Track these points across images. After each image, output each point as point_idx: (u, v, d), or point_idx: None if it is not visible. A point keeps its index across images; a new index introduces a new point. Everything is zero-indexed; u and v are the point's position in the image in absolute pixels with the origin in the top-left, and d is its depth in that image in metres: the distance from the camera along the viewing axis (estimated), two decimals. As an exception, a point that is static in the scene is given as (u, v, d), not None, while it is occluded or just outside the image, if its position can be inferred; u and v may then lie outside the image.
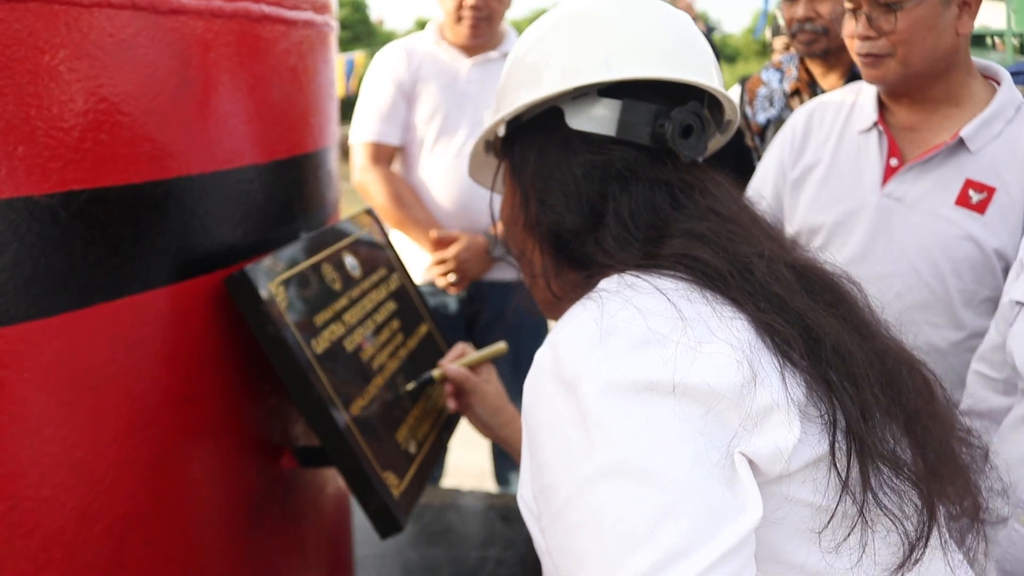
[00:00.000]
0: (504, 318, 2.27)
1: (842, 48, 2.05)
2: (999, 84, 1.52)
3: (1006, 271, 1.45)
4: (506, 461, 2.59)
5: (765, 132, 2.41)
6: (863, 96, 1.62)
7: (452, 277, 2.34)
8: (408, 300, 1.53)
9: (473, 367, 1.35)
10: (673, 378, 0.71)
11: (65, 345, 0.90)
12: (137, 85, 0.95)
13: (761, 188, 1.73)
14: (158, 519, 1.02)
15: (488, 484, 2.90)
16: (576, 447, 0.72)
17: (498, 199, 1.05)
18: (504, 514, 2.01)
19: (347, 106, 2.98)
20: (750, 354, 0.74)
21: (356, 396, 1.21)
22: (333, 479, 1.42)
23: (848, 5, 1.49)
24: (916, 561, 0.77)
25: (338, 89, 1.49)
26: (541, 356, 0.79)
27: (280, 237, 1.22)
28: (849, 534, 0.75)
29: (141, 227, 0.97)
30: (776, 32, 3.66)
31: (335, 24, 1.40)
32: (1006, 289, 1.26)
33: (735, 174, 0.98)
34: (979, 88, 1.51)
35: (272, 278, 1.14)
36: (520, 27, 1.86)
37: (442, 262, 2.32)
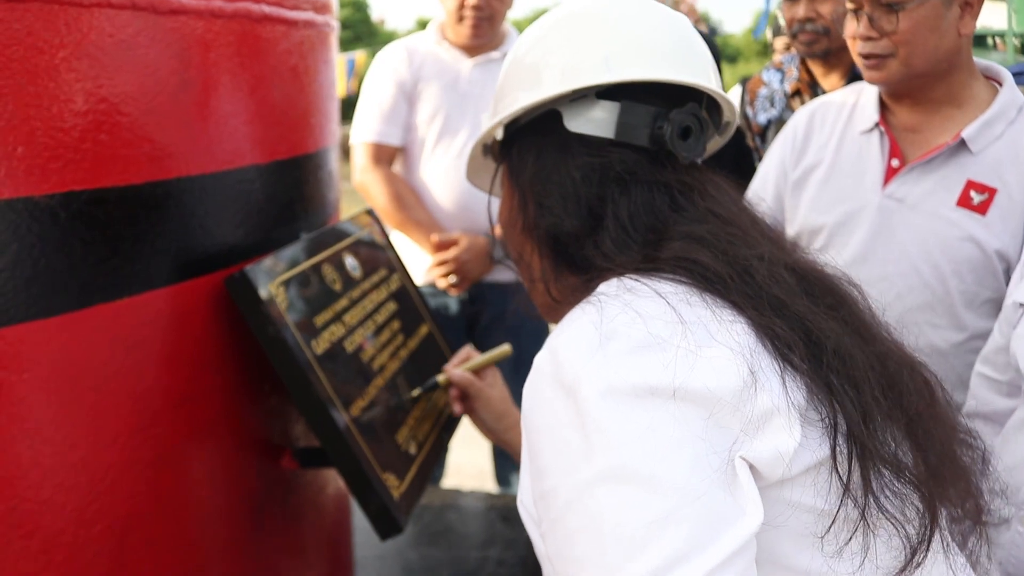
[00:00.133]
0: (505, 319, 2.27)
1: (843, 48, 2.05)
2: (1001, 85, 1.51)
3: (1007, 272, 1.44)
4: (507, 462, 2.59)
5: (766, 133, 2.41)
6: (864, 97, 1.61)
7: (453, 278, 2.34)
8: (409, 301, 1.53)
9: (477, 371, 1.35)
10: (673, 382, 0.71)
11: (65, 346, 0.90)
12: (137, 85, 0.95)
13: (762, 189, 1.73)
14: (158, 519, 1.02)
15: (488, 484, 2.89)
16: (575, 451, 0.72)
17: (496, 203, 1.05)
18: (504, 514, 2.01)
19: (348, 106, 2.98)
20: (750, 358, 0.74)
21: (356, 397, 1.21)
22: (333, 480, 1.42)
23: (850, 5, 1.49)
24: (918, 564, 0.76)
25: (339, 89, 1.49)
26: (540, 360, 0.78)
27: (280, 237, 1.22)
28: (851, 538, 0.74)
29: (141, 228, 0.97)
30: (777, 32, 3.66)
31: (336, 24, 1.40)
32: (1009, 291, 1.26)
33: (736, 175, 0.98)
34: (981, 89, 1.51)
35: (272, 279, 1.13)
36: (521, 27, 1.86)
37: (443, 263, 2.32)
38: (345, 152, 2.42)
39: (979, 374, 1.30)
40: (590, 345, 0.74)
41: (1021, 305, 1.19)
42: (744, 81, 2.54)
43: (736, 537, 0.68)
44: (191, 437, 1.06)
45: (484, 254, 2.35)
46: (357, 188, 2.45)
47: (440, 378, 1.36)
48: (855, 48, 1.51)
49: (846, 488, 0.74)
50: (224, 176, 1.09)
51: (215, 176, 1.07)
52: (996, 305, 1.44)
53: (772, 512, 0.73)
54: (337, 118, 1.43)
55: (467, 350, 1.40)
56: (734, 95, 2.61)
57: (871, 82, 1.52)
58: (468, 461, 3.34)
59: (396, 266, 1.54)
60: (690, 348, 0.73)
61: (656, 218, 0.88)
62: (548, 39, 0.96)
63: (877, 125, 1.56)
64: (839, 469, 0.74)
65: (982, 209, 1.45)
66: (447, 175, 2.38)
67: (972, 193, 1.46)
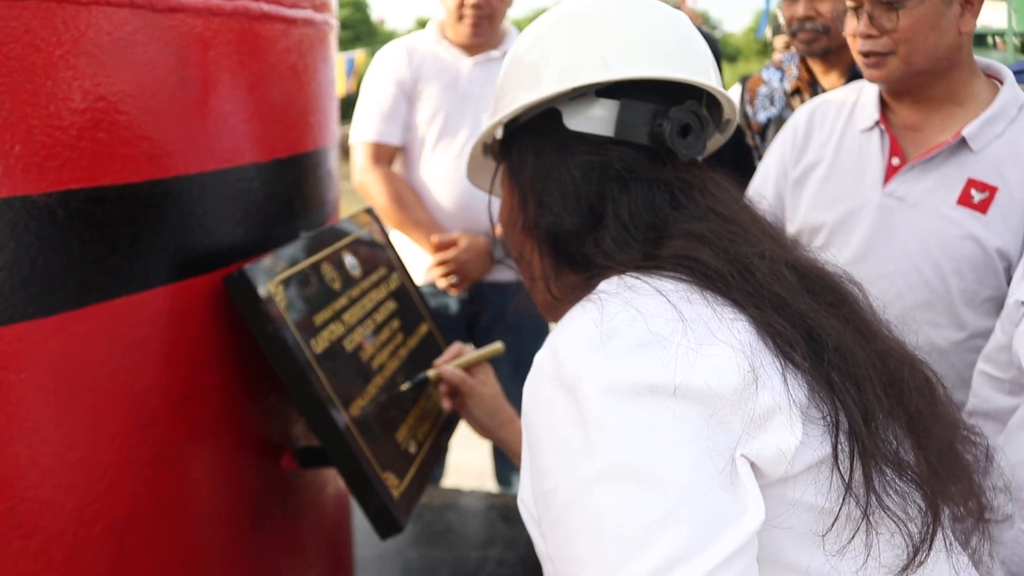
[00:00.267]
0: (505, 319, 2.27)
1: (843, 47, 2.05)
2: (1002, 83, 1.51)
3: (1008, 271, 1.44)
4: (507, 461, 2.58)
5: (766, 131, 2.41)
6: (865, 95, 1.61)
7: (453, 279, 2.34)
8: (408, 299, 1.52)
9: (469, 367, 1.34)
10: (674, 380, 0.71)
11: (63, 345, 0.90)
12: (135, 83, 0.95)
13: (762, 187, 1.72)
14: (158, 519, 1.01)
15: (489, 484, 2.89)
16: (576, 450, 0.72)
17: (496, 202, 1.05)
18: (505, 514, 2.00)
19: (347, 106, 2.98)
20: (751, 356, 0.74)
21: (356, 396, 1.21)
22: (333, 479, 1.41)
23: (849, 3, 1.49)
24: (920, 563, 0.76)
25: (338, 88, 1.49)
26: (541, 359, 0.78)
27: (279, 236, 1.22)
28: (853, 536, 0.74)
29: (139, 226, 0.97)
30: (776, 31, 3.66)
31: (335, 22, 1.40)
32: (1011, 289, 1.26)
33: (736, 173, 0.98)
34: (982, 87, 1.51)
35: (271, 277, 1.13)
36: (521, 26, 1.85)
37: (443, 263, 2.32)
38: (344, 152, 2.42)
39: (981, 372, 1.30)
40: (591, 343, 0.74)
41: (1023, 303, 1.19)
42: (744, 80, 2.54)
43: (737, 536, 0.68)
44: (190, 437, 1.06)
45: (484, 254, 2.35)
46: (357, 188, 2.44)
47: (430, 373, 1.35)
48: (855, 46, 1.50)
49: (848, 486, 0.74)
50: (223, 175, 1.09)
51: (214, 175, 1.07)
52: (996, 304, 1.44)
53: (774, 510, 0.73)
54: (336, 117, 1.43)
55: (458, 346, 1.39)
56: (734, 94, 2.61)
57: (871, 80, 1.52)
58: (468, 461, 3.34)
59: (395, 265, 1.54)
60: (691, 346, 0.73)
61: (656, 216, 0.87)
62: (548, 38, 0.96)
63: (877, 123, 1.56)
64: (840, 467, 0.74)
65: (983, 207, 1.45)
66: (447, 175, 2.37)
67: (973, 191, 1.46)
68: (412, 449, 1.30)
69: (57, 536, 0.90)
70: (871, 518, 0.74)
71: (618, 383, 0.71)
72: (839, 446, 0.75)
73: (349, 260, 1.36)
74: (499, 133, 1.02)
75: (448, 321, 2.43)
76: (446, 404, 1.33)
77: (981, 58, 1.54)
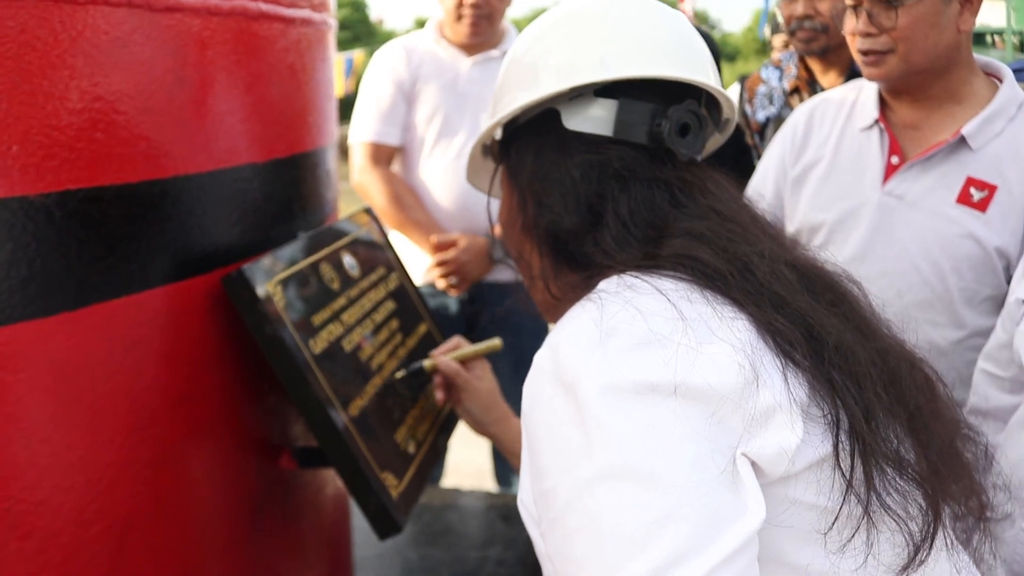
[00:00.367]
0: (505, 319, 2.26)
1: (841, 45, 2.05)
2: (1001, 81, 1.51)
3: (1007, 269, 1.44)
4: (506, 461, 2.58)
5: (765, 130, 2.41)
6: (864, 93, 1.61)
7: (453, 279, 2.33)
8: (407, 299, 1.52)
9: (466, 362, 1.34)
10: (674, 379, 0.71)
11: (62, 345, 0.89)
12: (133, 83, 0.94)
13: (762, 186, 1.72)
14: (157, 520, 1.01)
15: (488, 483, 2.89)
16: (576, 449, 0.72)
17: (496, 203, 1.05)
18: (504, 514, 2.00)
19: (346, 106, 2.98)
20: (752, 354, 0.74)
21: (355, 396, 1.21)
22: (333, 479, 1.41)
23: (848, 2, 1.49)
24: (921, 562, 0.76)
25: (337, 88, 1.49)
26: (540, 358, 0.78)
27: (278, 236, 1.21)
28: (854, 535, 0.74)
29: (138, 227, 0.97)
30: (775, 30, 3.65)
31: (333, 22, 1.40)
32: (1012, 287, 1.26)
33: (735, 173, 0.98)
34: (981, 85, 1.51)
35: (270, 277, 1.13)
36: (520, 25, 1.85)
37: (443, 264, 2.31)
38: (343, 152, 2.41)
39: (982, 371, 1.30)
40: (590, 342, 0.74)
41: (1023, 302, 1.19)
42: (743, 79, 2.54)
43: (737, 535, 0.67)
44: (189, 437, 1.06)
45: (484, 255, 2.34)
46: (356, 188, 2.44)
47: (426, 363, 1.34)
48: (854, 45, 1.50)
49: (849, 485, 0.74)
50: (221, 175, 1.08)
51: (212, 175, 1.07)
52: (995, 302, 1.44)
53: (774, 509, 0.73)
54: (335, 117, 1.43)
55: (457, 339, 1.39)
56: (733, 93, 2.61)
57: (870, 79, 1.52)
58: (467, 460, 3.34)
59: (394, 265, 1.54)
60: (691, 345, 0.73)
61: (656, 215, 0.87)
62: (546, 38, 0.96)
63: (877, 122, 1.56)
64: (841, 466, 0.74)
65: (982, 206, 1.45)
66: (446, 175, 2.37)
67: (972, 190, 1.45)
68: (411, 449, 1.30)
69: (55, 537, 0.90)
70: (872, 517, 0.74)
71: (618, 382, 0.71)
72: (840, 444, 0.75)
73: (348, 260, 1.36)
74: (498, 134, 1.02)
75: (448, 321, 2.43)
76: (439, 395, 1.33)
77: (980, 56, 1.54)
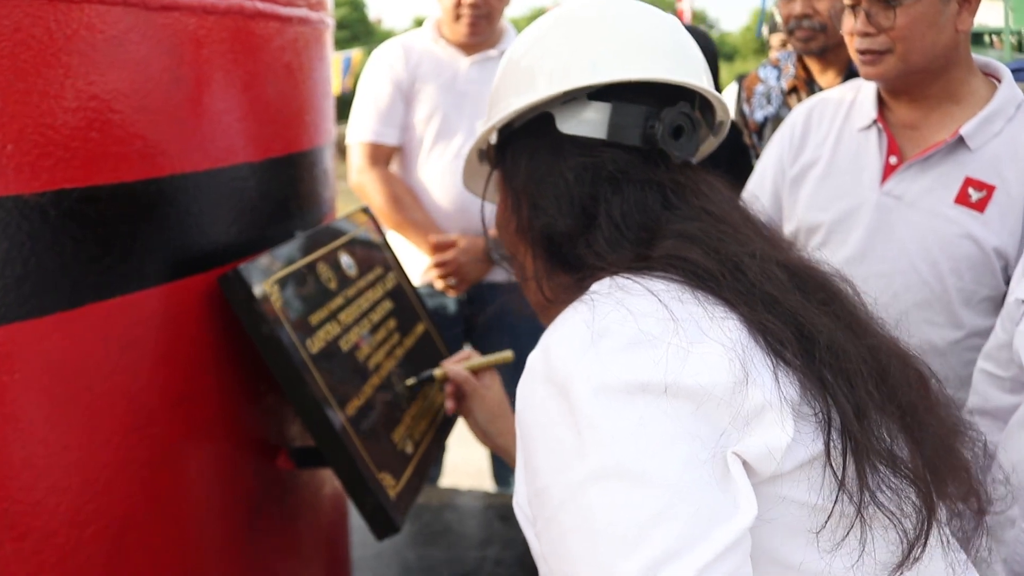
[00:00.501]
0: (503, 320, 2.26)
1: (840, 45, 2.05)
2: (1000, 81, 1.51)
3: (1005, 270, 1.44)
4: (505, 461, 2.58)
5: (763, 130, 2.41)
6: (862, 93, 1.61)
7: (451, 280, 2.33)
8: (404, 299, 1.52)
9: (476, 372, 1.34)
10: (665, 379, 0.71)
11: (58, 345, 0.89)
12: (129, 82, 0.94)
13: (759, 186, 1.72)
14: (154, 520, 1.01)
15: (486, 483, 2.89)
16: (568, 449, 0.72)
17: (490, 207, 1.05)
18: (502, 513, 2.00)
19: (344, 105, 2.97)
20: (742, 354, 0.74)
21: (352, 396, 1.20)
22: (330, 479, 1.41)
23: (847, 1, 1.49)
24: (915, 560, 0.76)
25: (334, 87, 1.48)
26: (533, 359, 0.79)
27: (275, 236, 1.21)
28: (847, 534, 0.74)
29: (134, 226, 0.96)
30: (773, 29, 3.65)
31: (331, 21, 1.40)
32: (1012, 288, 1.25)
33: (732, 173, 0.98)
34: (979, 85, 1.50)
35: (267, 277, 1.13)
36: (519, 25, 1.85)
37: (441, 264, 2.31)
38: (341, 151, 2.41)
39: (982, 371, 1.30)
40: (582, 343, 0.74)
41: (1023, 302, 1.19)
42: (741, 78, 2.54)
43: (729, 533, 0.68)
44: (187, 437, 1.06)
45: (482, 255, 2.34)
46: (354, 188, 2.43)
47: (436, 371, 1.35)
48: (852, 44, 1.50)
49: (841, 483, 0.74)
50: (218, 174, 1.08)
51: (208, 174, 1.06)
52: (994, 303, 1.44)
53: (766, 508, 0.73)
54: (332, 116, 1.42)
55: (468, 351, 1.40)
56: (730, 92, 2.61)
57: (868, 78, 1.52)
58: (466, 460, 3.33)
59: (392, 264, 1.53)
60: (682, 345, 0.73)
61: (648, 217, 0.88)
62: (542, 43, 0.96)
63: (875, 122, 1.55)
64: (833, 464, 0.74)
65: (980, 206, 1.45)
66: (445, 175, 2.37)
67: (970, 190, 1.45)
68: (409, 449, 1.30)
69: (51, 538, 0.89)
70: (865, 515, 0.74)
71: (610, 382, 0.71)
72: (832, 443, 0.75)
73: (345, 260, 1.36)
74: (494, 138, 1.02)
75: (446, 322, 2.42)
76: (449, 405, 1.33)
77: (979, 56, 1.54)
